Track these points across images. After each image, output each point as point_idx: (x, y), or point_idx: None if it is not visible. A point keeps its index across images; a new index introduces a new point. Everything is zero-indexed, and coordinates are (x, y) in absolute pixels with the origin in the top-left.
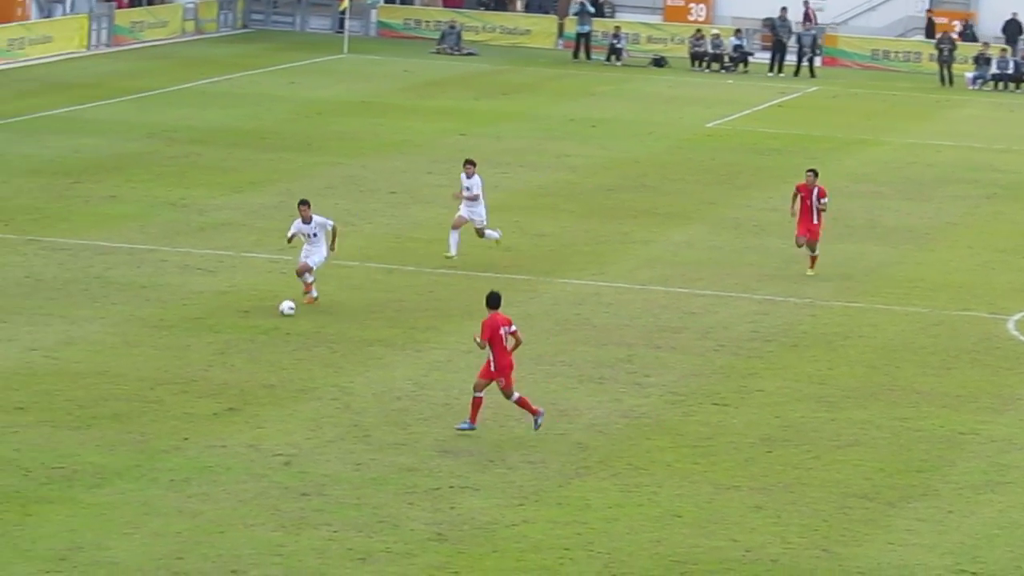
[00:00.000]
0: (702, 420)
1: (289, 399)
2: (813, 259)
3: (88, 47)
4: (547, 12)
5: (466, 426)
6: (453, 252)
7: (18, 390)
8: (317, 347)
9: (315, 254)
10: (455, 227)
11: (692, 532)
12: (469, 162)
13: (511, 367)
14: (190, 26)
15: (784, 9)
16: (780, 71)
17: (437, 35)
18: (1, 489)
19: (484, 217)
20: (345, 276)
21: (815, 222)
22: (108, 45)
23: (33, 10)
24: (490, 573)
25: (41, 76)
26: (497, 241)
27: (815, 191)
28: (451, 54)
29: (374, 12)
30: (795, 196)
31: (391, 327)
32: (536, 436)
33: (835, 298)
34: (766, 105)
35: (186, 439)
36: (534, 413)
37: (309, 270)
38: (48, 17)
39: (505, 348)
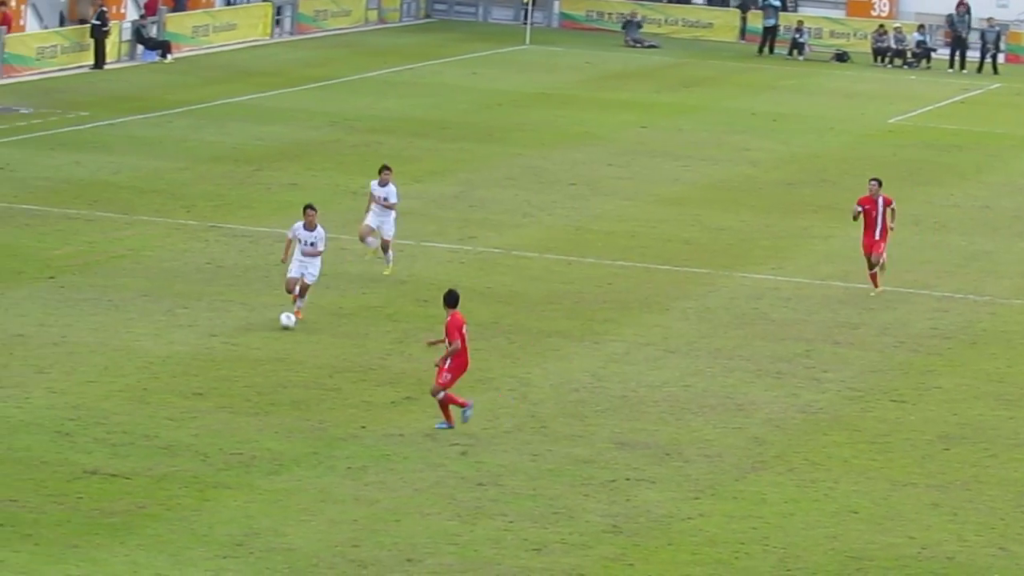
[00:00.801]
0: (879, 416)
1: (466, 389)
2: (874, 276)
3: (272, 35)
4: (745, 8)
5: (445, 426)
6: (390, 267)
7: (197, 376)
8: (495, 337)
9: (311, 266)
10: (363, 237)
11: (868, 528)
12: (386, 168)
13: (466, 368)
14: (373, 15)
15: (961, 4)
16: (963, 67)
17: (619, 27)
18: (179, 474)
19: (392, 231)
20: (524, 267)
21: (877, 237)
22: (292, 33)
23: None
24: (665, 566)
25: (225, 63)
26: (387, 268)
27: (880, 201)
28: (633, 46)
29: (557, 3)
30: (857, 213)
31: (569, 319)
32: (713, 429)
33: (1015, 296)
34: (948, 102)
35: (364, 427)
36: (462, 406)
37: (305, 289)
38: (233, 5)
39: (466, 348)
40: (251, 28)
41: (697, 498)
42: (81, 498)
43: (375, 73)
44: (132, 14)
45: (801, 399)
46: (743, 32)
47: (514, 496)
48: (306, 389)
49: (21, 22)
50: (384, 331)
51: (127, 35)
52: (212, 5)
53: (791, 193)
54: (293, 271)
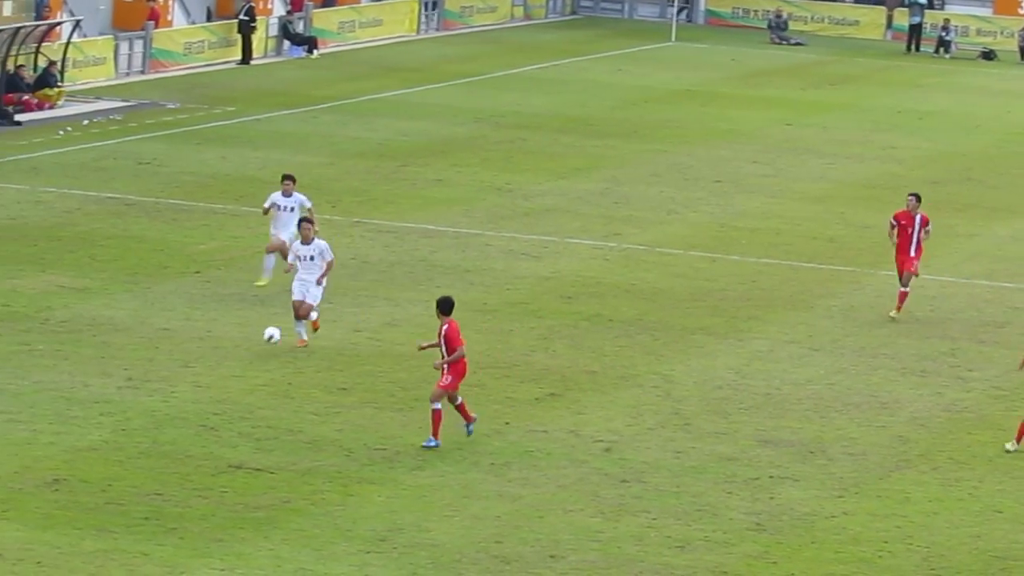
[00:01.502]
0: None
1: (610, 386)
2: (903, 296)
3: (418, 31)
4: (879, 3)
5: (434, 444)
6: (267, 279)
7: (342, 371)
8: (639, 334)
9: (312, 288)
10: (270, 250)
11: (1013, 528)
12: (288, 177)
13: (465, 373)
14: (519, 12)
15: None
16: None
17: (765, 24)
18: (324, 469)
19: (291, 239)
20: (669, 264)
21: (913, 255)
22: (437, 29)
23: None
24: (808, 564)
25: (371, 59)
26: (263, 279)
27: (918, 219)
28: (779, 43)
29: (703, 0)
30: (892, 227)
31: (713, 316)
32: (857, 428)
33: None
34: None
35: (507, 423)
36: (468, 421)
37: (309, 312)
38: (379, 1)
39: (463, 353)
40: (397, 24)
41: (841, 496)
42: (226, 492)
43: (521, 69)
44: (279, 10)
45: (946, 398)
46: (888, 29)
47: (657, 493)
48: None
49: (169, 17)
50: (528, 327)
51: (274, 31)
52: (358, 1)
53: (936, 191)
54: (296, 293)
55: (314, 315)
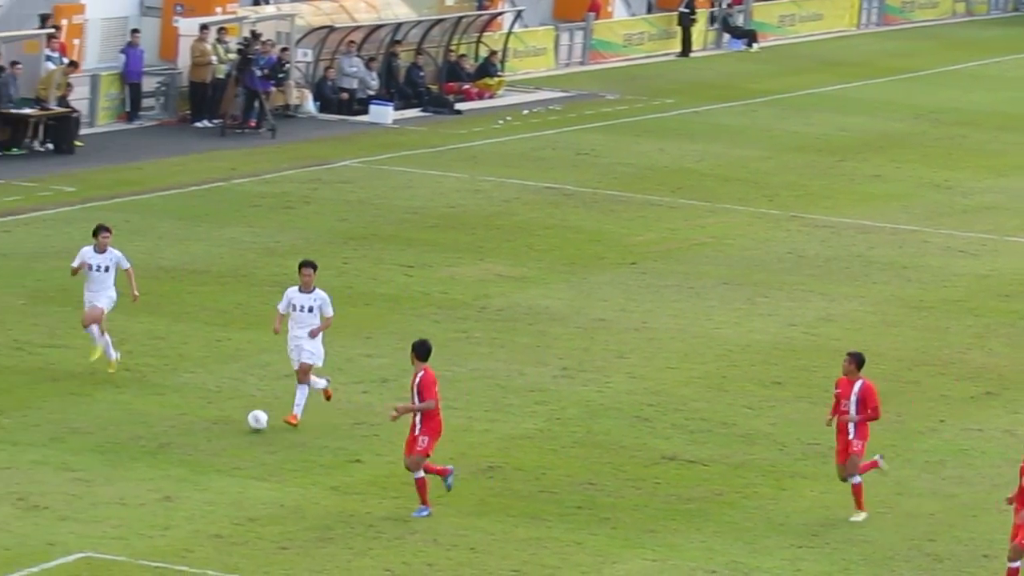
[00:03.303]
0: None
1: None
2: None
3: (858, 25)
4: None
5: (425, 512)
6: (113, 356)
7: (776, 365)
8: None
9: (310, 344)
10: (87, 324)
11: None
12: (103, 228)
13: (440, 432)
14: (960, 7)
15: None
16: None
17: None
18: (756, 462)
19: (111, 305)
20: None
21: None
22: (878, 24)
23: None
24: None
25: (810, 53)
26: (95, 352)
27: None
28: None
29: None
30: None
31: None
32: None
33: None
34: None
35: (942, 421)
36: (443, 474)
37: (307, 372)
38: None
39: (439, 409)
40: (837, 18)
41: None
42: (659, 483)
43: (961, 66)
44: (720, 2)
45: None
46: None
47: None
48: (885, 381)
49: (609, 9)
50: (965, 325)
51: (714, 23)
52: None
53: None
54: (293, 352)
55: (323, 383)
